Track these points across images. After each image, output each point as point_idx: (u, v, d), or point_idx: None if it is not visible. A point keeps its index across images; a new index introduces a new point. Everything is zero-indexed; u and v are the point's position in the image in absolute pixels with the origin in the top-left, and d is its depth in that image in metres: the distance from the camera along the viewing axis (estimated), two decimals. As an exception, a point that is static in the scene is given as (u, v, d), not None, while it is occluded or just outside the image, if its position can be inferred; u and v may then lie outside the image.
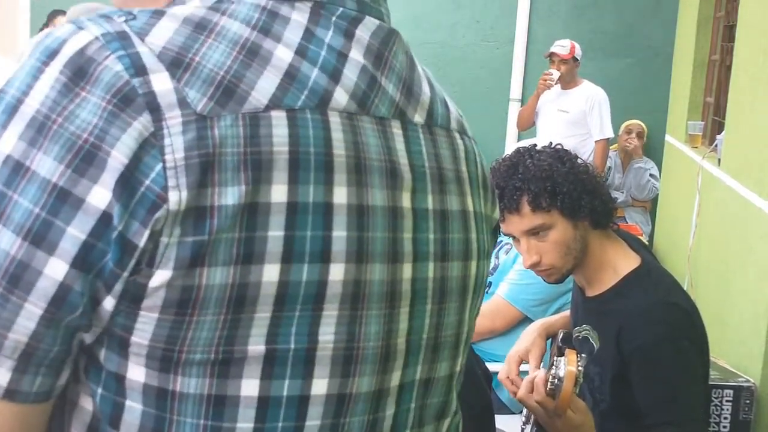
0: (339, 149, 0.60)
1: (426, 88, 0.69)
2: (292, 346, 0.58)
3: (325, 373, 0.60)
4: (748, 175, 2.90)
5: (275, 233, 0.56)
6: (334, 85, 0.61)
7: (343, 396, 0.61)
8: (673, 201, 4.94)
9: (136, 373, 0.58)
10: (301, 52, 0.61)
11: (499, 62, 5.97)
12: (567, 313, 2.10)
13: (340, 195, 0.59)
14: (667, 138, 5.43)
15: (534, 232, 1.79)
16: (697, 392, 1.75)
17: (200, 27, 0.59)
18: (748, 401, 2.32)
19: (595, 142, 5.02)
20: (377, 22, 0.66)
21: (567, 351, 1.66)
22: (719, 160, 3.44)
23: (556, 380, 1.61)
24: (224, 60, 0.58)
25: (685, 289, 3.52)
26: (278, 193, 0.57)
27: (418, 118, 0.67)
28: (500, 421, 2.26)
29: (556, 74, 5.05)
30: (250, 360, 0.57)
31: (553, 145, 1.89)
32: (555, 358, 1.68)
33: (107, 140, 0.54)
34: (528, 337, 2.02)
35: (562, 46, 5.03)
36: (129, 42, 0.57)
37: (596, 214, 1.79)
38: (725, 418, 2.30)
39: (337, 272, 0.59)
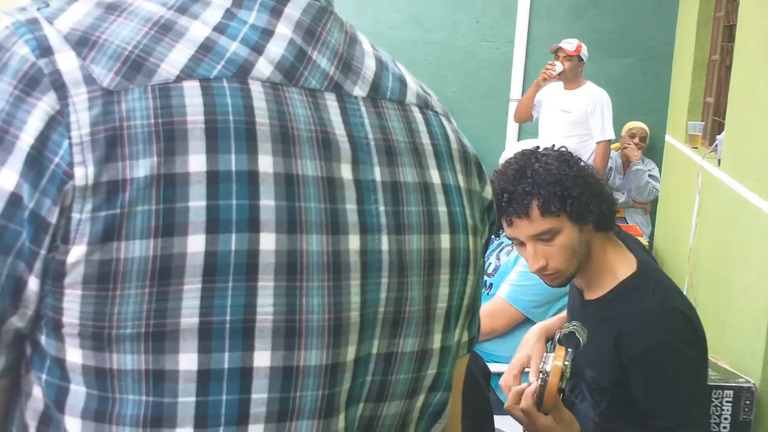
0: (262, 117, 0.60)
1: (371, 64, 0.69)
2: (228, 317, 0.57)
3: (266, 345, 0.59)
4: (748, 176, 2.90)
5: (197, 203, 0.56)
6: (256, 56, 0.61)
7: (290, 369, 0.60)
8: (673, 201, 4.94)
9: (74, 354, 0.58)
10: (219, 28, 0.62)
11: (499, 62, 5.97)
12: (565, 314, 2.10)
13: (266, 164, 0.59)
14: (667, 138, 5.43)
15: (541, 237, 1.78)
16: (698, 395, 1.75)
17: (112, 8, 0.60)
18: (748, 402, 2.32)
19: (597, 143, 5.01)
20: (307, 0, 0.66)
21: (557, 347, 1.67)
22: (719, 160, 3.45)
23: (543, 374, 1.62)
24: (133, 36, 0.59)
25: (685, 289, 3.52)
26: (196, 162, 0.56)
27: (359, 91, 0.67)
28: (500, 421, 2.26)
29: (559, 67, 5.03)
30: (185, 333, 0.57)
31: (556, 147, 1.88)
32: (545, 354, 1.69)
33: (14, 124, 0.55)
34: (528, 343, 2.02)
35: (569, 43, 5.03)
36: (37, 26, 0.58)
37: (603, 217, 1.79)
38: (725, 419, 2.30)
39: (268, 241, 0.58)
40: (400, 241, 0.66)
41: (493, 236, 2.87)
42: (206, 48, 0.60)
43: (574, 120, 5.04)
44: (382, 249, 0.65)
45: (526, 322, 2.57)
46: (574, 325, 1.71)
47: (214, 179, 0.57)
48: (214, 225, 0.57)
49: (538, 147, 1.90)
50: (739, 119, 3.13)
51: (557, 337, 1.96)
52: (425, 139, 0.70)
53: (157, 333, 0.57)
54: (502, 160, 1.98)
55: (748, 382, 2.35)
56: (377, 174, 0.66)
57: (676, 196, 4.86)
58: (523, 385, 1.74)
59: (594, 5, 5.84)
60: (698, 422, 1.72)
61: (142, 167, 0.56)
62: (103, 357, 0.57)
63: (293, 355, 0.60)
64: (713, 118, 4.41)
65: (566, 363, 1.61)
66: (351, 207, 0.63)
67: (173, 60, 0.59)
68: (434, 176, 0.70)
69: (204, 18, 0.62)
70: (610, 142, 5.03)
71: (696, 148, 4.30)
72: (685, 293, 1.97)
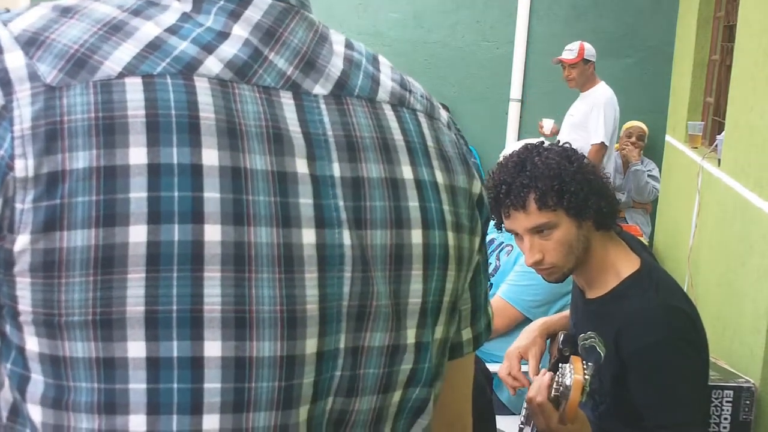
0: (207, 112, 0.61)
1: (338, 62, 0.70)
2: (175, 306, 0.59)
3: (216, 335, 0.60)
4: (748, 176, 2.90)
5: (138, 194, 0.58)
6: (206, 55, 0.63)
7: (243, 360, 0.60)
8: (674, 201, 4.94)
9: (31, 343, 0.59)
10: (172, 29, 0.63)
11: (499, 62, 5.97)
12: (567, 313, 2.10)
13: (210, 157, 0.60)
14: (667, 138, 5.43)
15: (538, 230, 1.78)
16: (696, 395, 1.74)
17: (66, 11, 0.63)
18: (748, 402, 2.31)
19: (591, 145, 4.90)
20: (269, 1, 0.67)
21: (572, 358, 1.65)
22: (719, 160, 3.44)
23: (561, 387, 1.60)
24: (80, 35, 0.61)
25: (685, 289, 3.52)
26: (137, 155, 0.58)
27: (320, 89, 0.68)
28: (500, 421, 2.26)
29: (547, 126, 5.11)
30: (131, 321, 0.58)
31: (560, 144, 1.88)
32: (560, 364, 1.67)
33: None
34: (528, 335, 2.02)
35: (569, 50, 4.96)
36: None
37: (601, 215, 1.79)
38: (725, 419, 2.29)
39: (213, 233, 0.59)
40: (362, 236, 0.66)
41: (495, 236, 2.87)
42: (153, 46, 0.62)
43: (575, 122, 4.99)
44: (344, 243, 0.65)
45: (525, 322, 2.57)
46: (593, 337, 1.71)
47: (156, 171, 0.58)
48: (155, 216, 0.58)
49: (542, 142, 1.90)
50: (739, 119, 3.13)
51: (560, 338, 1.95)
52: (397, 136, 0.71)
53: (105, 320, 0.58)
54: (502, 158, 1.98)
55: (748, 382, 2.35)
56: (336, 170, 0.66)
57: (676, 196, 4.86)
58: (541, 376, 1.73)
59: (594, 5, 5.84)
60: (695, 423, 1.72)
61: (81, 159, 0.57)
62: (56, 345, 0.59)
63: (245, 346, 0.61)
64: (713, 118, 4.41)
65: (587, 377, 1.59)
66: (306, 201, 0.64)
67: (117, 57, 0.60)
68: (406, 172, 0.70)
69: (158, 20, 0.64)
70: (602, 145, 4.87)
71: (696, 148, 4.30)
72: (689, 300, 1.96)
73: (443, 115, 0.78)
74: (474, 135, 5.44)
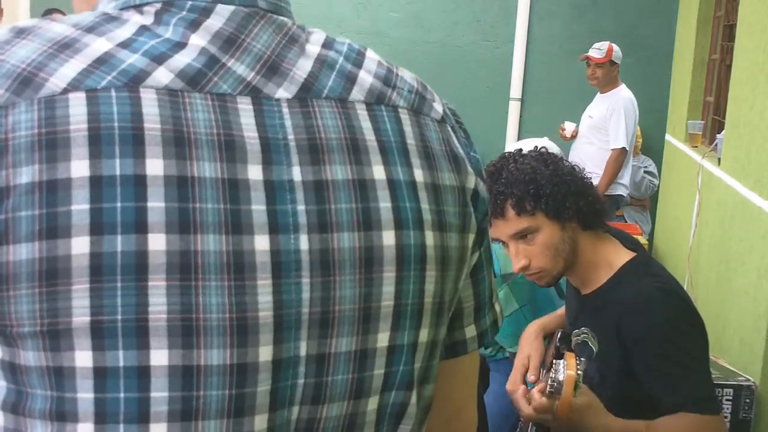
0: (152, 123, 0.61)
1: (305, 65, 0.69)
2: (120, 316, 0.59)
3: (162, 344, 0.60)
4: (748, 175, 2.90)
5: (80, 207, 0.58)
6: (155, 66, 0.63)
7: (190, 368, 0.60)
8: (674, 200, 4.94)
9: None
10: (124, 44, 0.64)
11: (499, 61, 5.97)
12: (562, 310, 2.10)
13: (154, 167, 0.60)
14: (667, 137, 5.43)
15: (521, 236, 1.79)
16: (702, 370, 1.73)
17: (21, 32, 0.63)
18: (748, 400, 2.32)
19: (611, 150, 4.80)
20: (231, 8, 0.67)
21: (566, 354, 1.66)
22: (719, 159, 3.45)
23: (555, 384, 1.61)
24: (29, 54, 0.61)
25: (685, 288, 3.52)
26: (79, 168, 0.59)
27: (283, 93, 0.67)
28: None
29: (569, 129, 5.06)
30: (78, 332, 0.58)
31: (538, 149, 1.90)
32: (554, 360, 1.68)
33: None
34: (526, 342, 2.03)
35: (598, 50, 4.88)
36: None
37: (582, 214, 1.80)
38: (725, 417, 2.30)
39: (157, 242, 0.59)
40: (325, 240, 0.65)
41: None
42: (100, 61, 0.62)
43: (593, 125, 4.91)
44: (300, 249, 0.64)
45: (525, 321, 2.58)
46: (585, 333, 1.71)
47: (98, 183, 0.59)
48: (98, 227, 0.58)
49: (520, 149, 1.91)
50: (739, 118, 3.13)
51: (557, 337, 1.96)
52: (369, 136, 0.70)
53: (52, 331, 0.59)
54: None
55: (748, 380, 2.36)
56: (296, 174, 0.65)
57: (676, 195, 4.86)
58: (522, 391, 1.74)
59: (594, 4, 5.85)
60: (706, 397, 1.71)
61: (24, 175, 0.58)
62: (14, 353, 0.60)
63: (192, 354, 0.61)
64: (713, 117, 4.41)
65: (579, 372, 1.60)
66: (258, 207, 0.63)
67: (62, 74, 0.61)
68: (377, 172, 0.69)
69: (112, 35, 0.64)
70: (623, 150, 4.77)
71: (696, 147, 4.30)
72: (685, 290, 1.97)
73: (437, 109, 0.77)
74: (474, 134, 5.37)
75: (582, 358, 1.64)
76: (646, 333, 1.68)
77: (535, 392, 1.68)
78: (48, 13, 5.26)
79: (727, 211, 3.20)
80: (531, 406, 1.69)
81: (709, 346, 1.78)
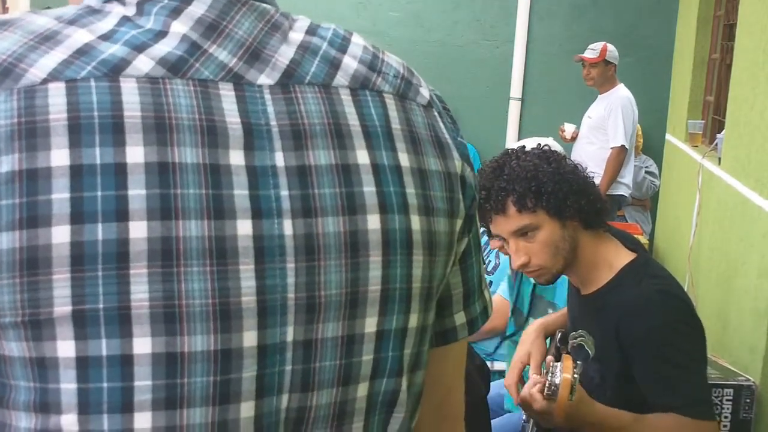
0: (132, 111, 0.61)
1: (287, 51, 0.69)
2: (101, 305, 0.59)
3: (145, 331, 0.59)
4: (748, 174, 2.90)
5: (60, 195, 0.58)
6: (135, 55, 0.63)
7: (174, 355, 0.60)
8: (674, 200, 4.94)
9: None
10: (105, 35, 0.64)
11: (498, 61, 5.97)
12: (565, 310, 2.10)
13: (135, 155, 0.60)
14: (668, 137, 5.43)
15: (521, 233, 1.79)
16: (701, 373, 1.74)
17: (4, 24, 0.63)
18: (748, 400, 2.32)
19: (611, 149, 4.82)
20: None
21: (563, 356, 1.67)
22: (719, 158, 3.45)
23: (552, 386, 1.61)
24: (9, 46, 0.62)
25: (685, 287, 3.52)
26: (59, 157, 0.59)
27: (265, 79, 0.67)
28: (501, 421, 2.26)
29: (569, 130, 5.06)
30: (60, 321, 0.58)
31: (541, 146, 1.89)
32: (552, 363, 1.68)
33: None
34: (527, 340, 2.03)
35: (592, 50, 4.91)
36: None
37: (583, 213, 1.79)
38: (725, 417, 2.30)
39: (138, 230, 0.59)
40: (309, 225, 0.65)
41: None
42: (81, 52, 0.62)
43: (593, 125, 4.93)
44: (284, 234, 0.64)
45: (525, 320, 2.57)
46: (581, 336, 1.71)
47: (78, 172, 0.59)
48: (78, 216, 0.58)
49: (523, 146, 1.91)
50: (739, 118, 3.13)
51: (558, 337, 1.96)
52: (352, 121, 0.69)
53: (34, 321, 0.58)
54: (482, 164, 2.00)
55: (749, 380, 2.35)
56: (279, 159, 0.65)
57: (676, 195, 4.86)
58: (527, 390, 1.74)
59: (594, 4, 5.84)
60: (702, 400, 1.71)
61: (4, 164, 0.58)
62: None
63: (176, 341, 0.60)
64: (713, 117, 4.41)
65: (575, 376, 1.60)
66: (241, 192, 0.63)
67: (43, 65, 0.61)
68: (361, 157, 0.68)
69: (93, 27, 0.64)
70: (622, 148, 4.79)
71: (696, 146, 4.30)
72: (685, 291, 1.96)
73: (423, 94, 0.77)
74: (474, 134, 5.43)
75: (578, 362, 1.64)
76: (645, 335, 1.68)
77: (535, 392, 1.68)
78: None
79: (728, 210, 3.20)
80: (534, 406, 1.68)
81: (707, 349, 1.78)
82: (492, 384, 2.35)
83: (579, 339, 1.70)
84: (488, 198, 1.77)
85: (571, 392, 1.60)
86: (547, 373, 1.67)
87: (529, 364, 1.98)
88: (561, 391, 1.59)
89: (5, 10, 4.49)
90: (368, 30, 5.95)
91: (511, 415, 2.42)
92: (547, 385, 1.63)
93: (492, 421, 2.23)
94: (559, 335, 1.97)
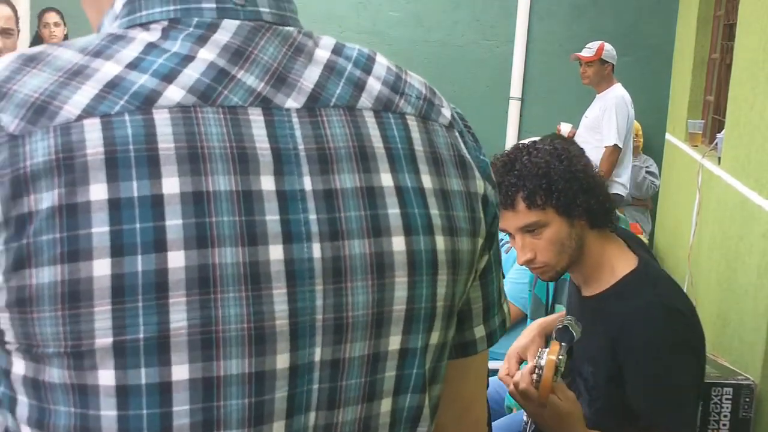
0: (166, 143, 0.62)
1: (312, 75, 0.70)
2: (141, 335, 0.60)
3: (183, 358, 0.61)
4: (748, 174, 2.90)
5: (100, 229, 0.59)
6: (165, 85, 0.64)
7: (210, 380, 0.62)
8: (674, 199, 4.95)
9: (17, 366, 0.62)
10: (132, 64, 0.65)
11: (498, 61, 5.97)
12: (565, 312, 2.11)
13: (171, 186, 0.61)
14: (668, 137, 5.43)
15: (529, 229, 1.79)
16: (691, 397, 1.75)
17: (30, 60, 0.64)
18: (747, 399, 2.32)
19: (604, 148, 4.85)
20: (237, 22, 0.68)
21: (551, 342, 1.68)
22: (719, 158, 3.45)
23: (538, 369, 1.64)
24: (41, 84, 0.63)
25: (685, 287, 3.52)
26: (97, 191, 0.60)
27: (292, 103, 0.68)
28: (501, 421, 2.26)
29: (565, 130, 5.07)
30: (101, 352, 0.60)
31: (552, 143, 1.89)
32: (540, 349, 1.70)
33: None
34: (527, 334, 2.03)
35: (588, 48, 4.94)
36: None
37: (592, 213, 1.79)
38: (725, 416, 2.30)
39: (176, 259, 0.61)
40: (336, 248, 0.66)
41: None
42: (112, 85, 0.63)
43: (588, 125, 4.95)
44: (313, 257, 0.65)
45: (526, 319, 2.58)
46: (568, 320, 1.72)
47: (116, 206, 0.60)
48: (118, 249, 0.60)
49: (534, 141, 1.90)
50: (739, 117, 3.13)
51: (553, 334, 1.96)
52: (377, 143, 0.70)
53: (75, 353, 0.60)
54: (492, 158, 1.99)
55: (748, 379, 2.36)
56: (307, 183, 0.66)
57: (676, 195, 4.87)
58: (517, 375, 1.75)
59: (594, 4, 5.85)
60: (686, 424, 1.72)
61: (45, 200, 0.59)
62: (40, 369, 0.61)
63: (212, 366, 0.62)
64: (713, 117, 4.41)
65: (560, 357, 1.63)
66: (272, 218, 0.64)
67: (76, 101, 0.62)
68: (385, 180, 0.70)
69: (119, 57, 0.65)
70: (615, 147, 4.82)
71: (696, 146, 4.30)
72: (685, 291, 1.97)
73: (445, 114, 0.78)
74: (473, 133, 5.43)
75: (563, 344, 1.65)
76: (636, 353, 1.69)
77: (525, 372, 1.69)
78: (42, 13, 5.29)
79: (727, 210, 3.20)
80: (519, 384, 1.69)
81: (705, 359, 1.79)
82: (491, 381, 2.35)
83: (565, 322, 1.71)
84: (497, 192, 1.77)
85: (555, 373, 1.62)
86: (537, 359, 1.69)
87: (525, 360, 1.98)
88: (545, 372, 1.62)
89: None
90: (368, 30, 5.95)
91: (513, 416, 2.42)
92: (535, 371, 1.65)
93: (494, 422, 2.24)
94: (553, 333, 1.99)
